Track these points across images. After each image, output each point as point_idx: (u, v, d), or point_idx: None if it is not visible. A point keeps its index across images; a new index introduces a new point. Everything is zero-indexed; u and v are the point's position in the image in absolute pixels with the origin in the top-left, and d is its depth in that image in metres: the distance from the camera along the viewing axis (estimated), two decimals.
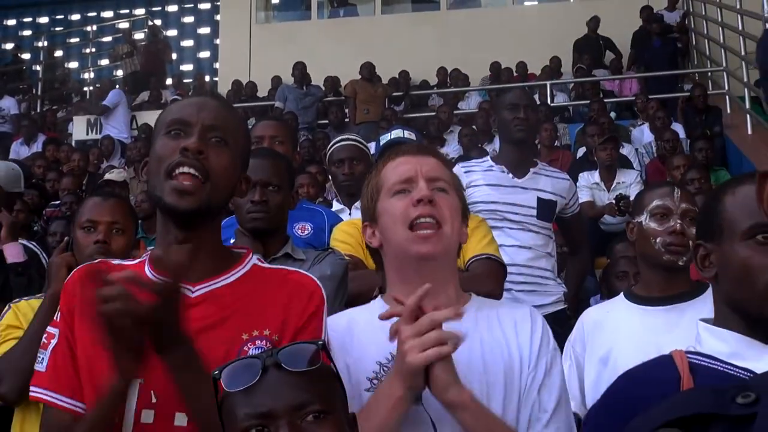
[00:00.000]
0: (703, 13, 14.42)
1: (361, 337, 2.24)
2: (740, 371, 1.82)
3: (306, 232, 4.19)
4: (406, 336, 2.01)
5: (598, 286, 6.75)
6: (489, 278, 3.78)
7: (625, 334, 3.08)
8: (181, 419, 1.99)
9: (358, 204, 5.11)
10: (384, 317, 2.11)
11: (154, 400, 2.00)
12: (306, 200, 5.11)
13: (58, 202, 9.24)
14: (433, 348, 1.98)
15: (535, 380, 2.18)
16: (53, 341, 2.13)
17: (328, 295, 3.44)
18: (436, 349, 1.98)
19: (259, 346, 2.04)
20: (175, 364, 1.92)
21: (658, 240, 3.17)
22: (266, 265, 2.28)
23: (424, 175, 2.28)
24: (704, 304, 2.52)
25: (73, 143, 14.78)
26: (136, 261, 2.24)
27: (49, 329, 2.20)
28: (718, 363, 1.86)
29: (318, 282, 2.24)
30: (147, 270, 2.16)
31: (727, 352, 1.88)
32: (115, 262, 2.24)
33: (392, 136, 4.30)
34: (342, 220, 4.46)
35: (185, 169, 2.06)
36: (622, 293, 3.35)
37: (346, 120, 13.84)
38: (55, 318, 2.19)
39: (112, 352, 1.86)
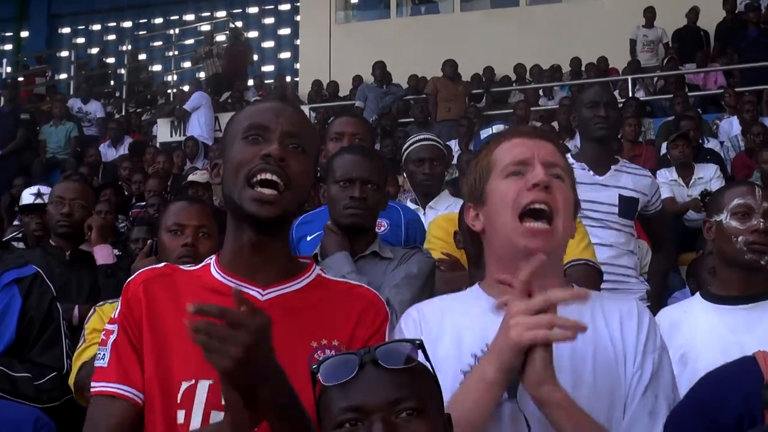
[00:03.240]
0: None
1: (456, 328, 2.15)
2: None
3: (383, 228, 4.18)
4: (516, 311, 1.91)
5: (683, 283, 6.66)
6: (585, 284, 3.74)
7: (704, 334, 3.03)
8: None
9: (432, 203, 5.13)
10: (502, 305, 2.01)
11: (224, 403, 1.90)
12: None
13: (143, 203, 9.38)
14: (542, 329, 1.87)
15: (641, 381, 2.04)
16: (112, 336, 2.11)
17: (414, 294, 3.50)
18: (546, 332, 1.87)
19: (328, 356, 1.98)
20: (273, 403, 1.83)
21: (739, 239, 3.10)
22: (330, 276, 2.29)
23: (541, 158, 2.15)
24: None
25: (158, 145, 15.00)
26: (201, 266, 2.24)
27: (107, 326, 2.17)
28: None
29: (382, 298, 2.25)
30: (214, 271, 2.17)
31: None
32: (184, 267, 2.25)
33: (494, 131, 4.19)
34: (419, 217, 4.46)
35: (267, 176, 2.05)
36: (698, 293, 3.28)
37: (430, 118, 13.81)
38: (112, 316, 2.17)
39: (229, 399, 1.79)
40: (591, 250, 3.94)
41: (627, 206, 4.66)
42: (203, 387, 2.00)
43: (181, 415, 2.00)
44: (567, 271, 3.77)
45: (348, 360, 1.81)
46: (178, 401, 2.01)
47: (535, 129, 2.38)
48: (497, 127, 4.22)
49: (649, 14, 15.59)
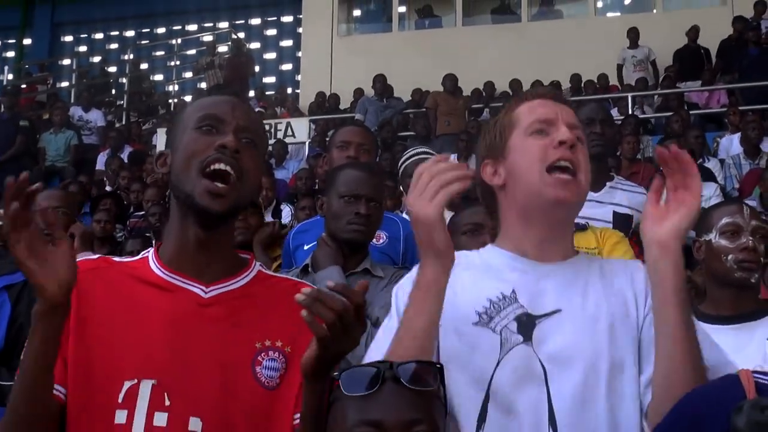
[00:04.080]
0: None
1: (475, 275, 2.21)
2: None
3: (381, 240, 4.19)
4: (410, 199, 1.99)
5: None
6: None
7: None
8: (195, 424, 1.96)
9: None
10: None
11: (167, 403, 1.96)
12: None
13: (142, 213, 9.38)
14: (440, 193, 1.95)
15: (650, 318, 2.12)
16: None
17: None
18: (444, 191, 1.96)
19: (272, 358, 2.04)
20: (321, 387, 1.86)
21: (729, 257, 3.13)
22: (270, 272, 2.28)
23: (564, 120, 2.24)
24: None
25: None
26: (137, 258, 2.19)
27: None
28: None
29: None
30: (154, 266, 2.12)
31: None
32: (116, 259, 2.21)
33: None
34: None
35: (222, 166, 2.03)
36: None
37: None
38: None
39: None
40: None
41: (621, 223, 4.65)
42: (146, 386, 1.96)
43: (122, 416, 1.95)
44: None
45: (370, 373, 1.81)
46: (120, 401, 1.95)
47: (555, 93, 2.44)
48: None
49: (633, 35, 15.72)
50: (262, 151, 2.19)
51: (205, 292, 2.07)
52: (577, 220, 4.25)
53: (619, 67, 15.82)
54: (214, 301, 2.06)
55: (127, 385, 1.95)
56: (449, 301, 2.02)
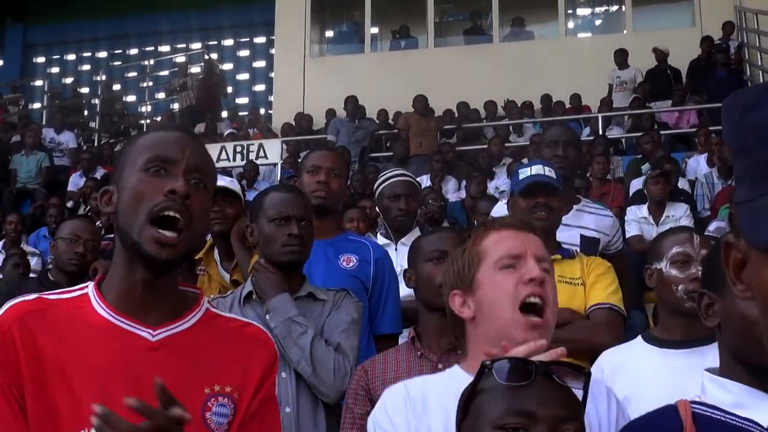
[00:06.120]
0: (758, 44, 14.33)
1: (443, 406, 2.13)
2: (743, 422, 1.83)
3: (351, 264, 4.20)
4: None
5: (646, 321, 6.68)
6: (608, 329, 3.76)
7: (647, 377, 3.03)
8: None
9: (405, 239, 5.14)
10: None
11: None
12: (351, 232, 5.13)
13: (112, 235, 9.34)
14: None
15: None
16: None
17: (358, 338, 3.57)
18: None
19: (222, 404, 1.97)
20: None
21: (679, 287, 3.11)
22: (217, 310, 2.17)
23: (533, 253, 2.25)
24: None
25: None
26: (76, 295, 2.04)
27: None
28: (721, 413, 1.87)
29: (271, 337, 2.20)
30: (98, 307, 1.99)
31: (730, 402, 1.88)
32: (52, 297, 2.03)
33: (533, 172, 4.15)
34: (388, 254, 4.47)
35: (172, 213, 1.93)
36: (640, 336, 3.29)
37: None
38: None
39: None
40: (618, 296, 3.93)
41: (588, 246, 4.67)
42: None
43: None
44: (592, 314, 3.82)
45: (522, 366, 1.80)
46: None
47: (522, 222, 2.46)
48: (536, 168, 4.17)
49: (621, 56, 15.80)
50: (211, 190, 2.08)
51: (153, 336, 1.97)
52: (566, 246, 4.31)
53: (610, 87, 15.90)
54: (162, 344, 1.97)
55: None
56: None
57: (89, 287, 2.05)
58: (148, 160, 1.99)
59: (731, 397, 1.90)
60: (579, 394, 1.84)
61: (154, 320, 1.99)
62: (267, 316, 3.50)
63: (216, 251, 5.22)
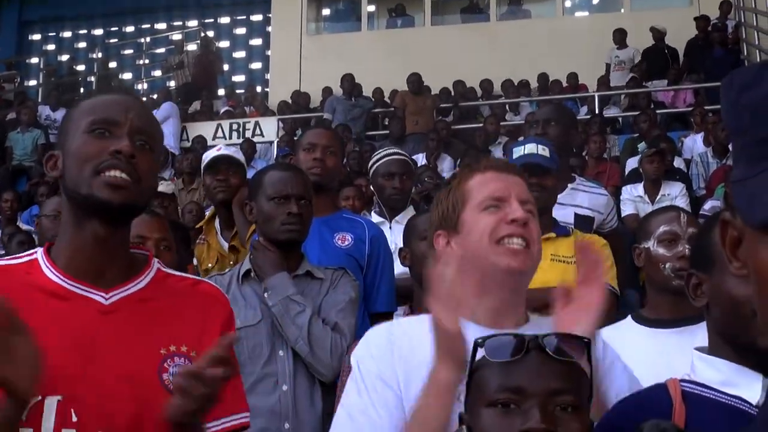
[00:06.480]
0: (755, 24, 14.31)
1: (419, 348, 2.15)
2: (732, 399, 1.86)
3: (346, 242, 4.22)
4: (433, 307, 1.95)
5: (640, 300, 6.69)
6: None
7: (637, 356, 3.03)
8: None
9: (399, 218, 5.16)
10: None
11: (74, 419, 1.87)
12: (347, 210, 5.15)
13: None
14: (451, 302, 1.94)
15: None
16: None
17: (356, 317, 3.58)
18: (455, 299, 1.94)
19: (177, 364, 1.97)
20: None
21: (667, 266, 3.15)
22: (169, 270, 2.18)
23: (516, 195, 2.25)
24: None
25: None
26: (23, 260, 2.04)
27: None
28: (711, 391, 1.90)
29: (225, 294, 2.22)
30: (48, 271, 1.99)
31: (719, 380, 1.91)
32: (1, 263, 2.05)
33: (525, 151, 4.19)
34: (383, 233, 4.48)
35: (117, 173, 1.94)
36: (629, 316, 3.32)
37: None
38: None
39: None
40: (613, 273, 3.96)
41: (582, 224, 4.68)
42: (51, 403, 1.85)
43: None
44: None
45: (514, 342, 1.80)
46: (23, 418, 1.78)
47: (506, 164, 2.47)
48: (529, 147, 4.19)
49: (619, 35, 15.76)
50: (158, 153, 2.09)
51: (106, 299, 1.98)
52: (563, 224, 4.32)
53: (608, 66, 15.88)
54: (116, 307, 1.97)
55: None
56: (400, 381, 2.07)
57: (38, 252, 2.05)
58: (92, 123, 2.00)
59: (720, 375, 1.92)
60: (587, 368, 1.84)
61: (107, 283, 1.99)
62: (265, 294, 3.51)
63: (217, 221, 5.26)
